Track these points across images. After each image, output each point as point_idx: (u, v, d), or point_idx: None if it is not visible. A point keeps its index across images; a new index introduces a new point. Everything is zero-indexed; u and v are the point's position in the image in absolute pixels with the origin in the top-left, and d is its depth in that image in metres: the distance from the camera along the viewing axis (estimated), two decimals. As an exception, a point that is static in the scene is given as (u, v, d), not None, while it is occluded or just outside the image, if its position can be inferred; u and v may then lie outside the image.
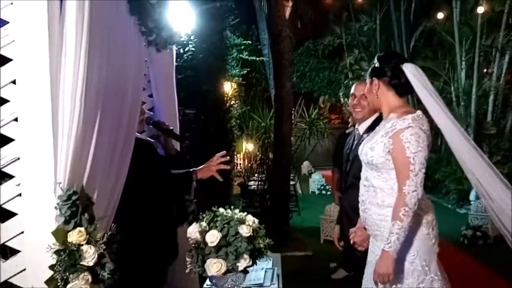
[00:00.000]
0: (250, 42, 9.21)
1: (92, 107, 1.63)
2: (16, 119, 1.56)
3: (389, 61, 2.09)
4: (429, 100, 1.98)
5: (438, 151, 9.14)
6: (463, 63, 9.16)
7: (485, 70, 9.58)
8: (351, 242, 2.31)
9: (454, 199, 8.45)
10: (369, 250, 2.19)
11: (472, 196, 8.03)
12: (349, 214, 2.90)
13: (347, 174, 3.12)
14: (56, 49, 1.52)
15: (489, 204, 2.18)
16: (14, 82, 1.55)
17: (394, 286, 1.97)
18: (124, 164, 1.95)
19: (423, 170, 1.90)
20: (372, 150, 2.01)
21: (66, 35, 1.52)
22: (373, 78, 2.10)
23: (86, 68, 1.55)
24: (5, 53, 1.55)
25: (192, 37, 4.41)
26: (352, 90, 3.12)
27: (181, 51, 4.20)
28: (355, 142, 3.07)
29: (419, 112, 1.96)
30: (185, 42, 4.30)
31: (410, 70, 2.01)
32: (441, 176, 8.74)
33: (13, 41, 1.55)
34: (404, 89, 2.05)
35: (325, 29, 13.71)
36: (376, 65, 2.10)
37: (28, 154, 1.54)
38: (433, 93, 2.00)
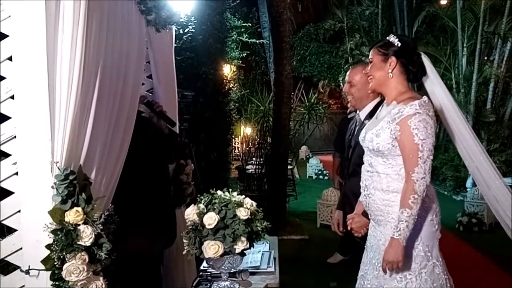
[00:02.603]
0: (250, 24, 9.12)
1: (90, 86, 1.60)
2: (12, 97, 1.53)
3: (410, 44, 2.06)
4: (440, 88, 2.07)
5: (436, 138, 9.13)
6: (465, 49, 9.08)
7: (485, 58, 9.51)
8: (349, 228, 2.30)
9: (450, 186, 8.50)
10: (369, 235, 2.19)
11: (468, 183, 8.08)
12: (352, 201, 2.89)
13: (349, 160, 3.09)
14: (53, 26, 1.49)
15: (485, 191, 2.22)
16: (10, 58, 1.52)
17: (398, 271, 1.96)
18: (125, 145, 1.93)
19: (431, 157, 1.89)
20: (378, 136, 1.98)
21: (63, 11, 1.48)
22: (391, 56, 2.01)
23: (83, 45, 1.52)
24: (1, 29, 1.52)
25: (192, 18, 4.35)
26: (346, 77, 3.07)
27: (181, 31, 4.14)
28: (357, 128, 3.04)
29: (425, 98, 1.94)
30: (184, 23, 4.24)
31: (424, 58, 2.05)
32: (439, 163, 8.76)
33: (9, 16, 1.51)
34: (414, 76, 2.05)
35: (326, 13, 13.57)
36: (397, 44, 2.01)
37: (25, 132, 1.52)
38: (442, 83, 2.10)
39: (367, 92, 2.70)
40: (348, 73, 3.07)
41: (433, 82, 2.09)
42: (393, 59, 2.00)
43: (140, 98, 2.54)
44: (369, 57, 2.10)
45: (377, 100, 2.93)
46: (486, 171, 2.18)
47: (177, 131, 2.90)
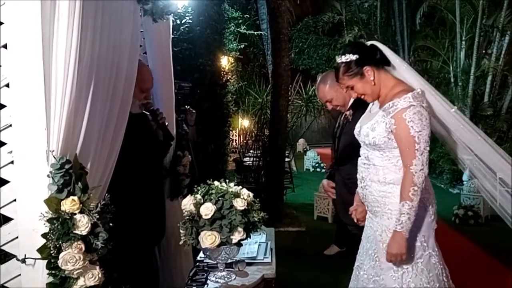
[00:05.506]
0: (248, 16, 9.07)
1: (86, 75, 1.59)
2: (7, 85, 1.52)
3: (361, 45, 2.05)
4: (404, 67, 2.03)
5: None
6: (463, 42, 9.06)
7: (484, 51, 9.50)
8: (355, 220, 2.30)
9: (447, 179, 8.52)
10: (365, 226, 2.19)
11: (465, 176, 8.10)
12: (341, 190, 2.91)
13: (336, 152, 3.12)
14: (48, 14, 1.47)
15: (482, 183, 2.20)
16: (5, 46, 1.51)
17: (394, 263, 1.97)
18: (119, 135, 1.93)
19: (428, 148, 1.89)
20: (373, 130, 1.97)
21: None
22: (364, 68, 1.98)
23: (79, 34, 1.51)
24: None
25: (189, 9, 4.33)
26: (324, 98, 2.99)
27: (178, 22, 4.12)
28: (341, 121, 3.07)
29: (418, 90, 1.93)
30: (182, 14, 4.22)
31: (377, 43, 2.04)
32: (435, 156, 8.78)
33: (4, 3, 1.50)
34: (384, 60, 2.01)
35: (325, 5, 13.52)
36: (356, 57, 1.97)
37: (21, 121, 1.51)
38: (409, 67, 2.07)
39: None
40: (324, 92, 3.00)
41: (400, 66, 2.03)
42: (366, 69, 1.98)
43: (146, 104, 2.51)
44: (345, 86, 2.05)
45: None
46: (489, 151, 2.08)
47: (173, 141, 2.84)
